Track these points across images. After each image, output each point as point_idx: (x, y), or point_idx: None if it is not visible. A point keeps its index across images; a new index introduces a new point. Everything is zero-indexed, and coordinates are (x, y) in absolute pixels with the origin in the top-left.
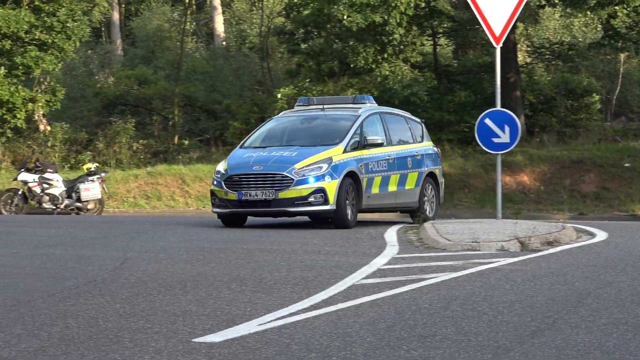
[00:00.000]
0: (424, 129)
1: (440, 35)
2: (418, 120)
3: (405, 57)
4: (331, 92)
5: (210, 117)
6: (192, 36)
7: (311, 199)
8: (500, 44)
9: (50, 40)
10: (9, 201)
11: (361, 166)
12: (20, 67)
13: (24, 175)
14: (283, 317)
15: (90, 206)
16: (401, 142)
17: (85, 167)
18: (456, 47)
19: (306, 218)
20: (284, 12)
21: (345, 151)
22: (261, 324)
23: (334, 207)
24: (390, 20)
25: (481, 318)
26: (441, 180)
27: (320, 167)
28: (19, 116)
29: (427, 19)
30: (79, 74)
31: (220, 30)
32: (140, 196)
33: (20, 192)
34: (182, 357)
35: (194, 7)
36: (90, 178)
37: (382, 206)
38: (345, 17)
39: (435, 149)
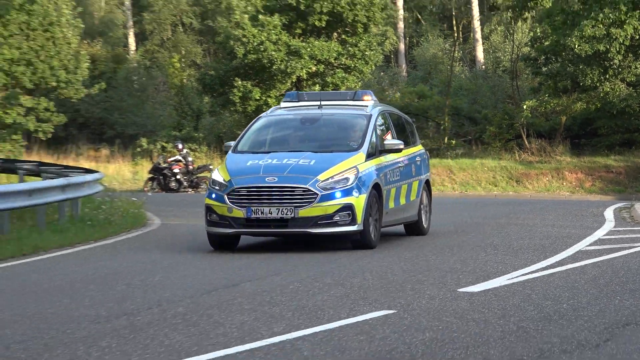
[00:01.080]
0: (415, 129)
1: None
2: (409, 118)
3: (623, 77)
4: (562, 105)
5: (472, 123)
6: (459, 62)
7: (337, 218)
8: None
9: (352, 65)
10: None
11: (382, 176)
12: (330, 85)
13: None
14: (526, 274)
15: None
16: (405, 145)
17: None
18: None
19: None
20: (529, 43)
21: (367, 158)
22: (509, 279)
23: (361, 227)
24: (611, 49)
25: None
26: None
27: (347, 179)
28: None
29: None
30: (373, 90)
31: (481, 57)
32: None
33: None
34: (450, 303)
35: (461, 39)
36: None
37: (393, 223)
38: (576, 46)
39: (427, 152)
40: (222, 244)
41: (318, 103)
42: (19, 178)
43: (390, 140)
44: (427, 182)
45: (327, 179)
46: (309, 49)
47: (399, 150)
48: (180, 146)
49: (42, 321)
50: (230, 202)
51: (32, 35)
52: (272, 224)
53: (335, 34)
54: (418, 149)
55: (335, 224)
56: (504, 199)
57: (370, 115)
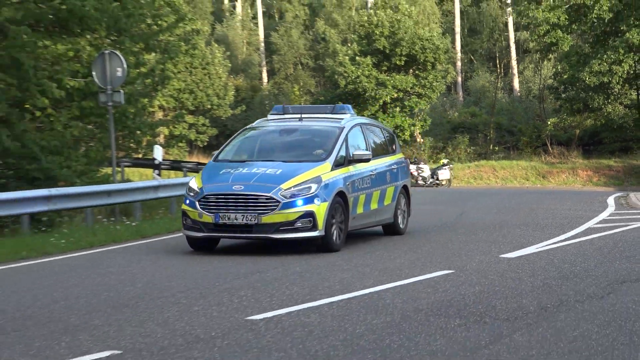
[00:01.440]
0: (396, 140)
1: None
2: (390, 130)
3: (621, 102)
4: (576, 122)
5: (510, 134)
6: (501, 90)
7: (298, 224)
8: None
9: (423, 92)
10: None
11: (348, 185)
12: (407, 107)
13: (411, 167)
14: (549, 244)
15: (443, 183)
16: (380, 155)
17: (441, 161)
18: None
19: None
20: (552, 76)
21: (333, 168)
22: (537, 248)
23: (322, 232)
24: (612, 81)
25: None
26: (410, 192)
27: (309, 188)
28: (405, 134)
29: (635, 80)
30: (438, 110)
31: (517, 87)
32: (471, 178)
33: None
34: (493, 265)
35: (502, 74)
36: (444, 167)
37: (364, 226)
38: (587, 79)
39: (406, 160)
40: (199, 246)
41: (299, 116)
42: (183, 174)
43: (359, 150)
44: (405, 187)
45: (290, 187)
46: (391, 81)
47: (367, 160)
48: None
49: (198, 276)
50: (201, 208)
51: (194, 72)
52: (238, 229)
53: (411, 70)
54: (396, 157)
55: (297, 230)
56: (533, 190)
57: (343, 128)
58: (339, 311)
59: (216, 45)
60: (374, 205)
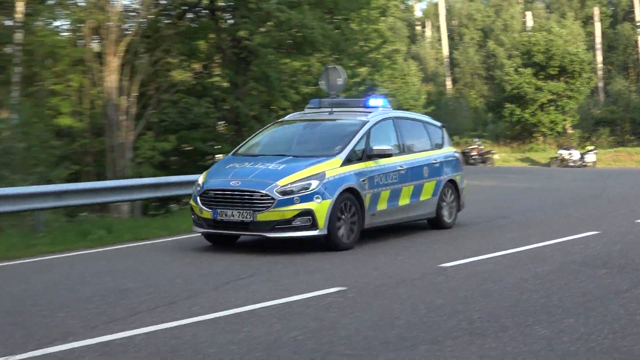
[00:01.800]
0: (445, 134)
1: None
2: (438, 124)
3: None
4: None
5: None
6: (634, 92)
7: (296, 223)
8: None
9: (572, 95)
10: (555, 161)
11: (364, 181)
12: (560, 107)
13: (561, 151)
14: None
15: (590, 164)
16: (418, 149)
17: (587, 147)
18: None
19: None
20: None
21: (344, 164)
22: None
23: (324, 231)
24: None
25: None
26: (462, 186)
27: (309, 185)
28: (559, 127)
29: None
30: (584, 109)
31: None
32: (611, 160)
33: (559, 158)
34: (632, 228)
35: (635, 79)
36: (590, 152)
37: (392, 222)
38: None
39: (456, 154)
40: (215, 242)
41: (330, 110)
42: None
43: (379, 145)
44: (452, 181)
45: (287, 184)
46: (547, 86)
47: (388, 155)
48: (475, 140)
49: (405, 231)
50: (201, 203)
51: (394, 81)
52: (235, 227)
53: (562, 78)
54: (441, 152)
55: (295, 229)
56: None
57: (366, 122)
58: (509, 261)
59: (411, 60)
60: (404, 201)
